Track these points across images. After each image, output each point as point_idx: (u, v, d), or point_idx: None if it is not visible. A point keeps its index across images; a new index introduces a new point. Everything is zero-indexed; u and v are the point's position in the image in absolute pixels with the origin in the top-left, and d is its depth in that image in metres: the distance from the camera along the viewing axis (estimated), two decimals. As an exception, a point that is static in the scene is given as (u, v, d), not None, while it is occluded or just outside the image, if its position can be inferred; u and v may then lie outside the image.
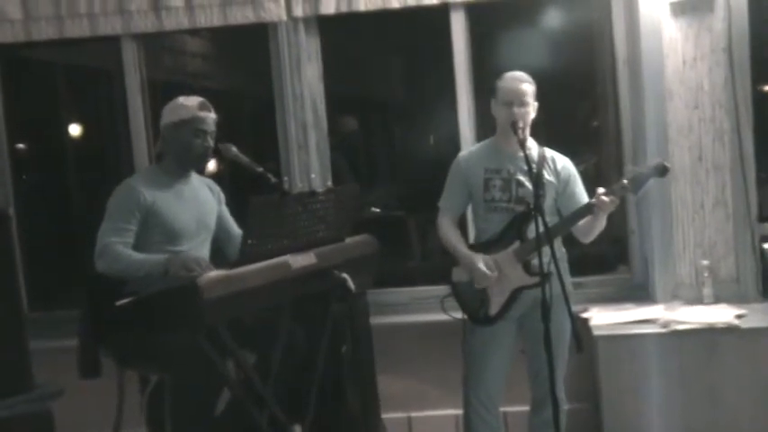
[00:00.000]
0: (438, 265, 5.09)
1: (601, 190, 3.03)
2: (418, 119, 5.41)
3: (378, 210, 3.78)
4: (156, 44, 4.54)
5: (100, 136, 5.27)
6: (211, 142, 3.02)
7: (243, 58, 5.57)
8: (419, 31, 4.61)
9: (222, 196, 3.28)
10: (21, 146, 4.73)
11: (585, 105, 4.74)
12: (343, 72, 4.49)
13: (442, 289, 3.47)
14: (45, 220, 4.74)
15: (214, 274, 2.42)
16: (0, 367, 2.18)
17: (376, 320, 3.52)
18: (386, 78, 5.92)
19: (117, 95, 5.03)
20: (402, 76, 5.74)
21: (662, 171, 3.06)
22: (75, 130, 5.27)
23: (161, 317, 2.36)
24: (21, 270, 3.94)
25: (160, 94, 4.37)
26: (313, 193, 2.76)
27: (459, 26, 4.05)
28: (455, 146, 4.10)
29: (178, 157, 3.03)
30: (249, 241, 2.52)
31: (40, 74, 4.99)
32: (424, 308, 4.08)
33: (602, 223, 3.11)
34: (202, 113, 3.00)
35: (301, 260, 2.63)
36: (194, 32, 4.75)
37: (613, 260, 4.27)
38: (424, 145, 5.42)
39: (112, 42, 4.25)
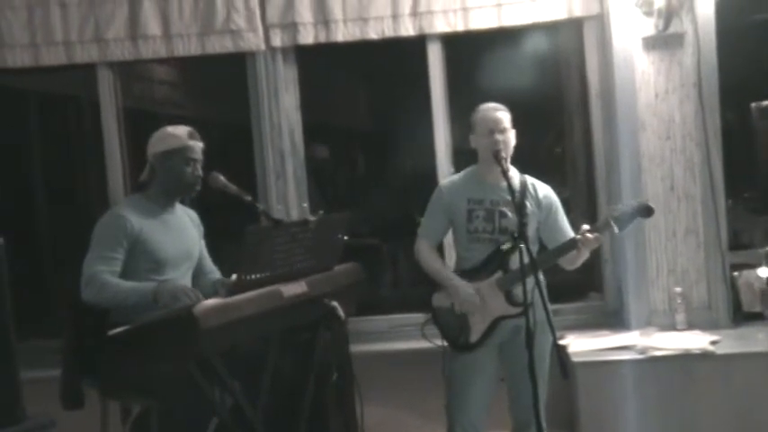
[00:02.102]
0: (408, 294, 5.12)
1: (585, 227, 3.09)
2: (391, 147, 5.46)
3: (345, 237, 3.80)
4: (124, 71, 4.51)
5: (70, 162, 5.21)
6: (200, 171, 3.03)
7: (211, 86, 5.57)
8: (393, 60, 4.68)
9: (202, 229, 3.27)
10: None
11: (552, 135, 4.85)
12: (314, 100, 4.51)
13: (419, 317, 3.48)
14: (14, 247, 4.64)
15: (210, 302, 2.41)
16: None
17: (353, 349, 3.52)
18: (358, 106, 5.98)
19: (87, 122, 4.99)
20: (374, 103, 5.81)
21: (646, 212, 3.14)
22: (44, 156, 5.20)
23: (156, 346, 2.34)
24: None
25: (129, 121, 4.35)
26: (305, 222, 2.77)
27: (435, 57, 4.13)
28: (430, 174, 4.15)
29: (168, 185, 3.02)
30: (244, 270, 2.52)
31: (9, 100, 4.93)
32: (400, 336, 4.11)
33: (586, 255, 3.17)
34: (192, 142, 3.01)
35: (293, 289, 2.64)
36: (162, 60, 4.72)
37: (584, 287, 4.35)
38: (397, 173, 5.48)
39: (84, 70, 4.23)
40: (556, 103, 4.66)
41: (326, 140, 5.24)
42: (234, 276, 3.13)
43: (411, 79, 4.51)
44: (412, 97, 4.80)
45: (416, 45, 4.12)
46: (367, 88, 5.79)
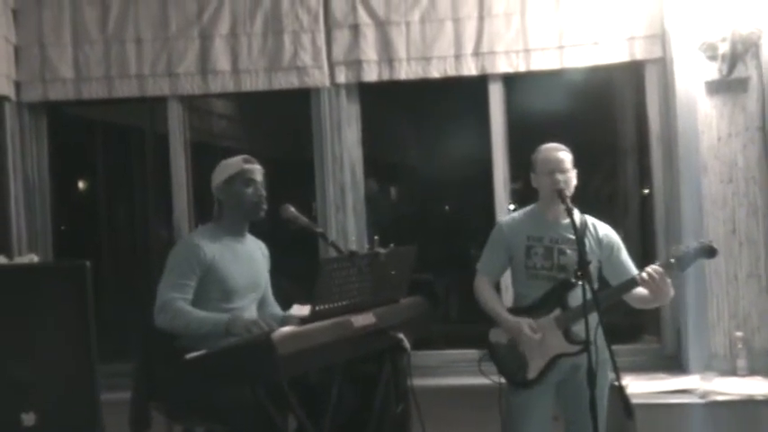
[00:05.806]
0: (455, 329, 5.11)
1: (649, 269, 3.10)
2: (440, 182, 5.49)
3: (393, 272, 3.84)
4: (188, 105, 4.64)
5: (132, 191, 5.35)
6: (263, 191, 3.11)
7: (267, 121, 5.68)
8: (450, 98, 4.73)
9: (269, 261, 3.34)
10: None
11: (602, 175, 4.85)
12: (371, 135, 4.59)
13: (471, 353, 3.47)
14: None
15: (286, 329, 2.47)
16: (72, 418, 2.21)
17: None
18: (407, 142, 6.03)
19: (150, 153, 5.13)
20: (424, 140, 5.85)
21: (709, 253, 3.14)
22: (107, 184, 5.35)
23: (232, 371, 2.39)
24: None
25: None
26: (376, 254, 2.83)
27: (496, 97, 4.18)
28: (483, 210, 4.18)
29: (235, 210, 3.11)
30: (318, 300, 2.58)
31: (78, 130, 5.10)
32: (452, 371, 4.10)
33: (660, 298, 3.15)
34: (247, 165, 3.12)
35: (362, 320, 2.69)
36: (221, 94, 4.86)
37: (637, 330, 4.31)
38: (447, 209, 5.49)
39: (150, 102, 4.37)
40: (608, 143, 4.66)
41: (377, 175, 5.30)
42: (293, 307, 3.22)
43: (467, 117, 4.57)
44: (462, 134, 4.85)
45: (468, 84, 4.16)
46: (417, 125, 5.85)
